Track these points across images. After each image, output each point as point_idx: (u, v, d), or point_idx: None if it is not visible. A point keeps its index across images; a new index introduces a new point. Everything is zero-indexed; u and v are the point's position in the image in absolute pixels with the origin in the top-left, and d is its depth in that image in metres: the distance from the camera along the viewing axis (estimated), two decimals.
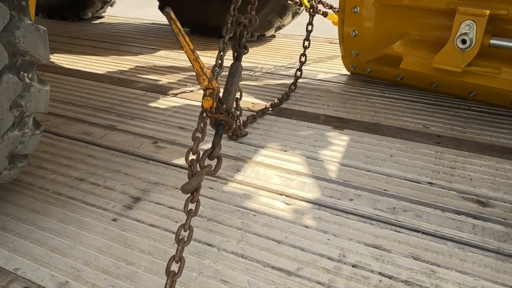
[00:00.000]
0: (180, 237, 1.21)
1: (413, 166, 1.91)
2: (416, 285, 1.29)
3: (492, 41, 2.08)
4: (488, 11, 2.02)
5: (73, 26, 4.69)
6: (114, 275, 1.33)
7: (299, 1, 2.65)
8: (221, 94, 1.59)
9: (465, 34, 2.08)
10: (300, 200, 1.69)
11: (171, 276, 1.14)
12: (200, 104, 2.43)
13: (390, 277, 1.32)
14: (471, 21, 2.05)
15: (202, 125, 1.45)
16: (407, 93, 2.69)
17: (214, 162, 1.40)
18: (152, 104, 2.59)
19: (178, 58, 3.52)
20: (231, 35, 1.82)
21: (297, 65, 2.73)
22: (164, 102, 2.62)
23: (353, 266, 1.36)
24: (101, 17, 5.12)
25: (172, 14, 1.30)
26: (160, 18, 4.62)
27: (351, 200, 1.68)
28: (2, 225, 1.55)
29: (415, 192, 1.73)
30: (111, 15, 5.26)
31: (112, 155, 2.01)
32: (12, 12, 1.11)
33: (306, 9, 2.73)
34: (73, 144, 2.11)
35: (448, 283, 1.29)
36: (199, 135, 1.41)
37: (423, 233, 1.50)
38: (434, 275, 1.32)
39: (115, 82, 2.96)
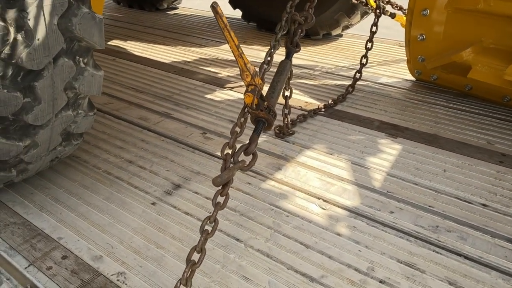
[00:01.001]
0: (204, 228, 1.23)
1: (468, 184, 1.77)
2: None
3: None
4: None
5: (148, 15, 4.93)
6: (143, 256, 1.39)
7: (365, 1, 2.55)
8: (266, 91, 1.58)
9: None
10: (337, 206, 1.64)
11: (190, 265, 1.16)
12: None
13: None
14: None
15: (242, 120, 1.46)
16: (475, 105, 2.49)
17: (249, 158, 1.40)
18: (208, 96, 2.66)
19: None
20: (285, 32, 1.81)
21: (359, 66, 2.64)
22: (219, 95, 2.68)
23: (380, 282, 1.30)
24: (176, 8, 5.33)
25: (218, 8, 1.31)
26: (230, 12, 4.70)
27: (392, 212, 1.60)
28: (55, 196, 1.69)
29: (464, 212, 1.60)
30: (185, 7, 5.46)
31: (162, 142, 2.10)
32: (71, 0, 1.19)
33: (372, 10, 2.62)
34: (129, 127, 2.24)
35: None
36: (237, 129, 1.42)
37: (465, 257, 1.39)
38: None
39: (178, 72, 3.08)
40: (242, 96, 2.65)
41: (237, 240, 1.46)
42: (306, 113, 2.33)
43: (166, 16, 4.92)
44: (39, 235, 1.48)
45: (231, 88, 2.78)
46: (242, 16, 4.30)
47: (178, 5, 5.35)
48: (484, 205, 1.65)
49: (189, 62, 3.30)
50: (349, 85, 2.64)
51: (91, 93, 1.43)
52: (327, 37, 3.95)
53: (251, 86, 1.47)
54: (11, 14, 1.08)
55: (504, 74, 2.03)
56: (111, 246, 1.43)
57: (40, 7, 1.11)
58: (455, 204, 1.65)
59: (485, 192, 1.72)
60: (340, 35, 4.06)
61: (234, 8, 4.26)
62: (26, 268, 1.34)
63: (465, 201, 1.67)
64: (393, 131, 2.21)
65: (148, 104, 2.52)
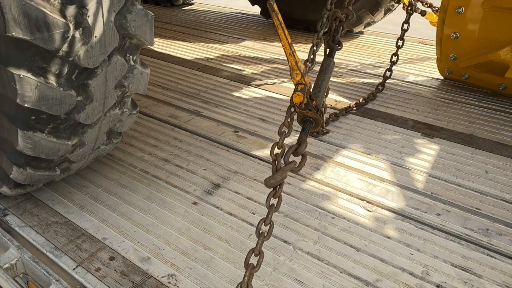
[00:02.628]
0: (260, 231, 1.21)
1: None
2: None
3: None
4: None
5: (164, 11, 4.89)
6: (192, 257, 1.37)
7: None
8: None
9: None
10: (382, 208, 1.61)
11: (250, 269, 1.14)
12: (281, 97, 2.43)
13: None
14: None
15: (289, 120, 1.43)
16: (509, 104, 2.45)
17: (298, 159, 1.37)
18: (235, 94, 2.63)
19: (262, 49, 3.53)
20: (326, 30, 1.76)
21: (385, 64, 2.61)
22: (246, 92, 2.64)
23: (437, 287, 1.27)
24: (191, 4, 5.29)
25: (275, 5, 1.28)
26: (246, 8, 4.66)
27: (439, 215, 1.57)
28: (93, 195, 1.66)
29: None
30: (200, 2, 5.42)
31: (195, 140, 2.07)
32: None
33: (403, 7, 2.58)
34: (160, 125, 2.21)
35: None
36: (285, 130, 1.39)
37: None
38: None
39: (202, 69, 3.05)
40: (269, 93, 2.62)
41: (285, 242, 1.44)
42: (338, 111, 2.30)
43: (182, 12, 4.88)
44: (83, 235, 1.46)
45: (258, 86, 2.74)
46: (261, 12, 4.26)
47: (193, 1, 5.31)
48: None
49: (211, 59, 3.27)
50: (379, 83, 2.61)
51: (138, 91, 1.40)
52: (348, 34, 3.91)
53: (301, 85, 1.45)
54: (71, 10, 1.05)
55: None
56: (158, 247, 1.41)
57: (99, 3, 1.08)
58: (502, 206, 1.62)
59: None
60: (361, 32, 4.01)
61: (253, 4, 4.22)
62: (74, 269, 1.32)
63: (511, 202, 1.63)
64: (429, 130, 2.18)
65: (176, 102, 2.49)
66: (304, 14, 3.80)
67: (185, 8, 5.12)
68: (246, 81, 2.83)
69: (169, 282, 1.28)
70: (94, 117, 1.29)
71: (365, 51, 3.49)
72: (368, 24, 3.78)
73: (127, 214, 1.56)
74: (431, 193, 1.69)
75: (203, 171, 1.82)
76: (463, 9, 2.33)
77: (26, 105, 1.09)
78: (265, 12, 4.19)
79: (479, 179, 1.78)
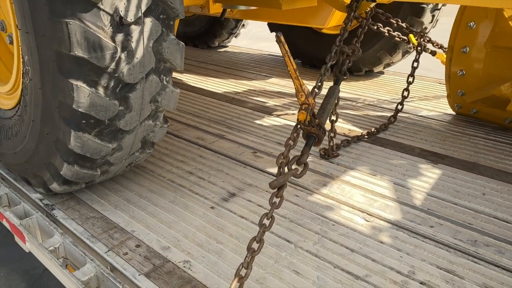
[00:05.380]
0: (262, 223, 1.41)
1: (506, 207, 1.85)
2: None
3: None
4: None
5: (201, 52, 5.35)
6: (206, 249, 1.58)
7: (407, 38, 2.75)
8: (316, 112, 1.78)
9: None
10: (380, 219, 1.77)
11: (251, 252, 1.34)
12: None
13: None
14: None
15: (295, 135, 1.66)
16: None
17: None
18: (257, 121, 2.89)
19: (286, 85, 3.82)
20: (334, 62, 2.02)
21: (401, 99, 2.80)
22: (267, 121, 2.90)
23: (420, 283, 1.41)
24: (226, 46, 5.74)
25: (281, 37, 1.55)
26: (276, 51, 5.03)
27: (432, 227, 1.72)
28: (127, 197, 1.93)
29: (502, 230, 1.69)
30: (234, 45, 5.87)
31: (218, 158, 2.32)
32: (163, 28, 1.47)
33: (413, 47, 2.81)
34: (188, 145, 2.49)
35: None
36: (291, 142, 1.62)
37: (503, 268, 1.48)
38: None
39: (229, 100, 3.35)
40: (288, 122, 2.87)
41: (288, 241, 1.63)
42: (349, 138, 2.51)
43: (218, 53, 5.32)
44: (115, 228, 1.71)
45: (278, 115, 3.00)
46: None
47: (228, 44, 5.76)
48: None
49: (239, 92, 3.59)
50: (391, 115, 2.80)
51: (169, 107, 1.69)
52: (369, 74, 4.15)
53: (305, 105, 1.68)
54: (119, 37, 1.36)
55: None
56: (177, 240, 1.63)
57: (141, 32, 1.39)
58: (493, 223, 1.74)
59: None
60: (382, 72, 4.25)
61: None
62: (106, 252, 1.56)
63: (503, 220, 1.76)
64: (434, 157, 2.34)
65: (204, 127, 2.78)
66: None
67: (220, 50, 5.57)
68: (269, 111, 3.10)
69: (184, 266, 1.49)
70: (132, 125, 1.58)
71: (383, 89, 3.70)
72: (388, 65, 4.02)
73: (153, 213, 1.81)
74: (428, 209, 1.84)
75: (222, 182, 2.06)
76: (468, 48, 2.53)
77: (79, 109, 1.39)
78: (292, 53, 4.52)
79: (476, 199, 1.91)
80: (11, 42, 1.97)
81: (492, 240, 1.63)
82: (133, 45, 1.39)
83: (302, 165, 1.59)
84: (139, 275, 1.45)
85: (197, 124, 2.83)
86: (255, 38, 8.11)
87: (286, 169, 1.52)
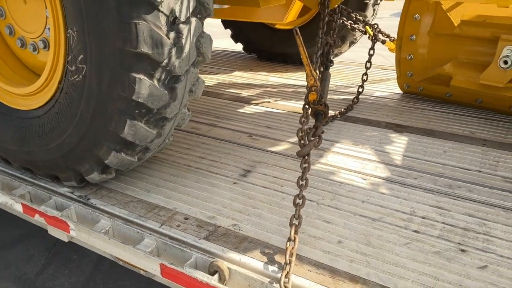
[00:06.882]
0: (300, 183, 1.72)
1: (464, 159, 2.36)
2: (472, 230, 1.73)
3: None
4: None
5: None
6: (245, 213, 1.85)
7: (364, 30, 3.20)
8: None
9: (507, 56, 2.55)
10: (374, 177, 2.17)
11: (298, 206, 1.64)
12: (278, 111, 3.01)
13: (451, 225, 1.77)
14: None
15: (307, 112, 1.98)
16: (455, 108, 3.14)
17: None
18: (240, 110, 3.17)
19: (251, 77, 4.13)
20: (321, 52, 2.37)
21: (355, 85, 3.26)
22: (249, 109, 3.20)
23: (422, 218, 1.82)
24: None
25: (298, 31, 1.85)
26: (230, 46, 5.31)
27: (415, 178, 2.15)
28: (154, 182, 2.11)
29: (466, 176, 2.17)
30: None
31: (220, 143, 2.57)
32: (202, 28, 1.71)
33: (369, 37, 3.28)
34: (187, 135, 2.70)
35: (496, 231, 1.73)
36: (304, 119, 1.94)
37: (475, 201, 1.95)
38: (485, 226, 1.77)
39: (205, 93, 3.58)
40: (267, 109, 3.18)
41: (311, 200, 1.95)
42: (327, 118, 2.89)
43: None
44: (157, 207, 1.91)
45: (257, 104, 3.31)
46: (243, 48, 4.90)
47: None
48: (479, 171, 2.23)
49: (211, 86, 3.82)
50: (354, 97, 3.25)
51: (198, 95, 1.92)
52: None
53: (314, 86, 2.02)
54: (171, 34, 1.58)
55: (479, 79, 2.70)
56: (218, 210, 1.88)
57: (189, 30, 1.62)
58: (458, 171, 2.22)
59: (478, 163, 2.31)
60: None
61: (236, 42, 4.86)
62: (160, 227, 1.76)
63: (465, 169, 2.25)
64: (398, 128, 2.81)
65: (193, 118, 2.98)
66: (283, 49, 4.46)
67: None
68: (246, 101, 3.39)
69: (234, 229, 1.75)
70: (173, 113, 1.79)
71: (337, 76, 4.17)
72: (336, 55, 4.50)
73: (185, 192, 2.03)
74: (408, 166, 2.28)
75: (233, 163, 2.32)
76: (415, 36, 3.05)
77: (139, 100, 1.58)
78: (247, 48, 4.83)
79: (440, 156, 2.40)
80: (23, 45, 2.05)
81: (462, 183, 2.10)
82: (183, 41, 1.61)
83: (317, 137, 1.94)
84: (199, 239, 1.68)
85: None
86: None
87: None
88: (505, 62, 2.57)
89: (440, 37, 2.94)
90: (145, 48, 1.49)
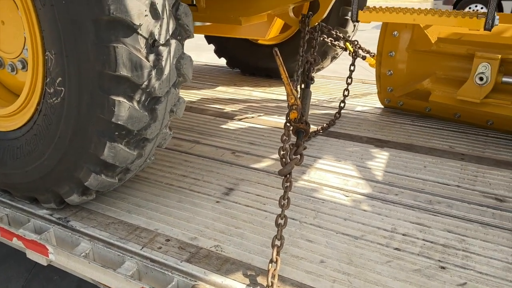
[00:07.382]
0: (282, 203, 1.73)
1: (443, 174, 2.40)
2: (451, 247, 1.76)
3: (504, 79, 2.62)
4: (500, 56, 2.58)
5: None
6: (228, 234, 1.84)
7: (344, 46, 3.26)
8: None
9: (482, 73, 2.62)
10: (356, 194, 2.19)
11: (280, 227, 1.65)
12: (261, 126, 3.03)
13: (431, 242, 1.79)
14: (486, 63, 2.61)
15: (288, 131, 2.00)
16: (434, 122, 3.20)
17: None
18: (223, 126, 3.17)
19: (235, 92, 4.14)
20: (302, 70, 2.40)
21: (337, 99, 3.30)
22: (232, 125, 3.20)
23: (403, 235, 1.84)
24: None
25: (277, 51, 1.87)
26: (213, 60, 5.32)
27: (396, 195, 2.18)
28: (135, 203, 2.09)
29: (446, 191, 2.21)
30: None
31: (202, 160, 2.57)
32: (182, 49, 1.71)
33: (349, 53, 3.33)
34: (169, 152, 2.68)
35: (474, 247, 1.76)
36: (286, 137, 1.95)
37: (454, 217, 1.98)
38: (464, 242, 1.80)
39: (188, 109, 3.57)
40: (250, 124, 3.19)
41: (293, 219, 1.95)
42: (309, 134, 2.91)
43: None
44: (139, 228, 1.89)
45: (240, 119, 3.31)
46: (227, 63, 4.92)
47: None
48: (458, 186, 2.27)
49: (194, 101, 3.82)
50: (336, 112, 3.28)
51: (179, 115, 1.92)
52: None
53: (295, 105, 2.04)
54: (151, 57, 1.58)
55: (456, 95, 2.76)
56: (200, 230, 1.87)
57: (169, 52, 1.62)
58: (438, 187, 2.26)
59: (456, 178, 2.35)
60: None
61: (219, 57, 4.87)
62: (141, 249, 1.74)
63: (444, 184, 2.28)
64: (379, 143, 2.84)
65: (176, 135, 2.97)
66: (266, 64, 4.50)
67: None
68: (229, 116, 3.39)
69: (216, 250, 1.74)
70: (154, 133, 1.78)
71: (319, 91, 4.21)
72: (318, 70, 4.55)
73: (167, 213, 2.01)
74: (389, 182, 2.31)
75: (216, 180, 2.32)
76: (394, 53, 3.11)
77: (119, 122, 1.57)
78: (231, 63, 4.86)
79: (421, 171, 2.43)
80: (1, 66, 2.03)
81: (441, 199, 2.14)
82: (163, 63, 1.61)
83: (298, 155, 1.95)
84: (181, 262, 1.66)
85: None
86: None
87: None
88: (481, 79, 2.63)
89: (418, 54, 3.00)
90: (124, 71, 1.49)
